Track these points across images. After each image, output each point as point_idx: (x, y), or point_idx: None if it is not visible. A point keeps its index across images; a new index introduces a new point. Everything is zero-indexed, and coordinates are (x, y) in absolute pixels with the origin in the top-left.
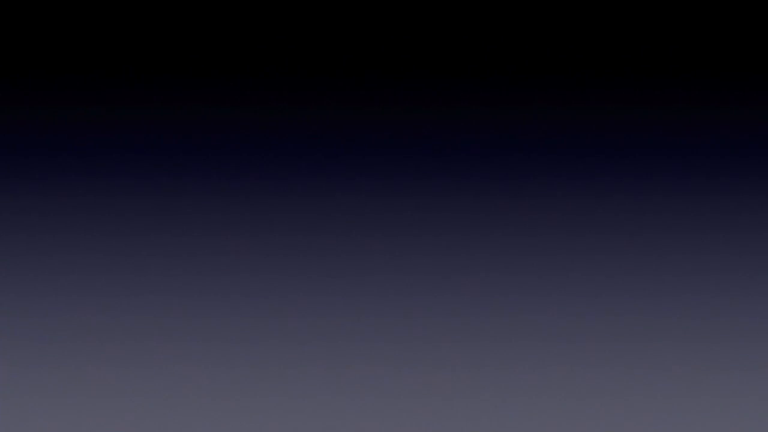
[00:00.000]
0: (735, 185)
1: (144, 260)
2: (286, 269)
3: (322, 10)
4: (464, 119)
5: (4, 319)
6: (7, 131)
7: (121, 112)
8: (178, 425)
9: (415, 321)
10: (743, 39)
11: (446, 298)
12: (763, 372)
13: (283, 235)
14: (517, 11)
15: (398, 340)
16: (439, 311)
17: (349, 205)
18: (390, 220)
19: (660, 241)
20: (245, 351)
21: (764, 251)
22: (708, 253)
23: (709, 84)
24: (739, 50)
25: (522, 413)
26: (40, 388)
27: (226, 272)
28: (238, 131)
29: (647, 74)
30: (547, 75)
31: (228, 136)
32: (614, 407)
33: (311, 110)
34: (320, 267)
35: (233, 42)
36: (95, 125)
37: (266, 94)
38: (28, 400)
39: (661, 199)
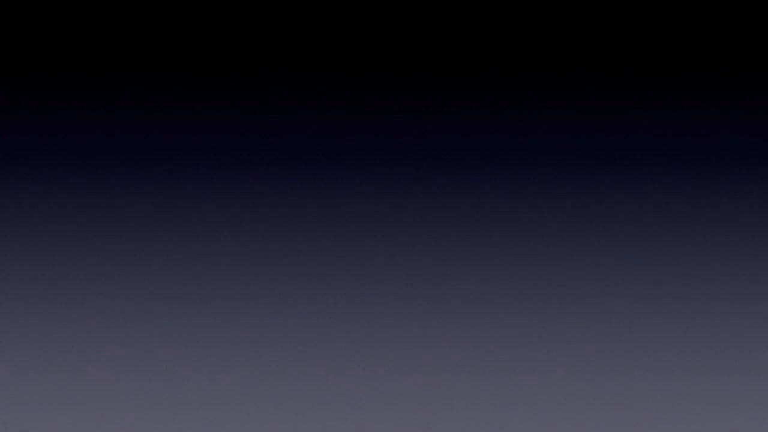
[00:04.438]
0: (735, 185)
1: (144, 260)
2: (286, 269)
3: (322, 10)
4: (464, 119)
5: (4, 319)
6: (7, 131)
7: (121, 112)
8: (178, 425)
9: (415, 321)
10: (743, 39)
11: (446, 298)
12: (763, 372)
13: (283, 235)
14: (517, 11)
15: (398, 340)
16: (439, 311)
17: (349, 205)
18: (390, 220)
19: (660, 241)
20: (245, 351)
21: (764, 251)
22: (708, 253)
23: (709, 84)
24: (739, 50)
25: (522, 413)
26: (40, 388)
27: (226, 272)
28: (238, 131)
29: (647, 74)
30: (547, 75)
31: (228, 136)
32: (614, 407)
33: (311, 110)
34: (320, 267)
35: (233, 42)
36: (95, 125)
37: (266, 94)
38: (28, 400)
39: (661, 199)
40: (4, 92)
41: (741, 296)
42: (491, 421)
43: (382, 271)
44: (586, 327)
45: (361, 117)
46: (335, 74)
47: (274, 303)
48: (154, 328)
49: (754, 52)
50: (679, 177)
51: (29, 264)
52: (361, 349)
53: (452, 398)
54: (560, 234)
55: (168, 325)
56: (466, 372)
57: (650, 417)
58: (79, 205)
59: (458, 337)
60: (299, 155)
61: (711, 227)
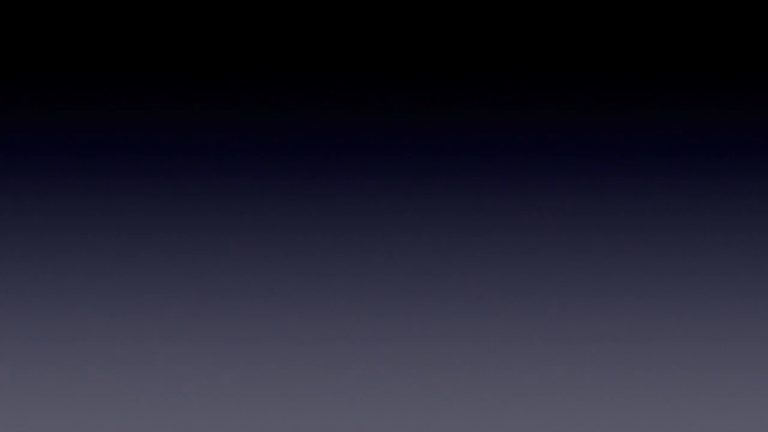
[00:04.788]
0: (735, 185)
1: (144, 260)
2: (286, 269)
3: (322, 10)
4: (464, 119)
5: (4, 319)
6: (7, 131)
7: (121, 112)
8: (178, 425)
9: (416, 321)
10: (743, 39)
11: (446, 298)
12: (763, 372)
13: (283, 235)
14: (517, 11)
15: (398, 340)
16: (439, 311)
17: (349, 205)
18: (390, 220)
19: (660, 241)
20: (245, 351)
21: (764, 251)
22: (708, 253)
23: (709, 84)
24: (739, 50)
25: (522, 413)
26: (40, 388)
27: (226, 272)
28: (238, 131)
29: (647, 74)
30: (547, 75)
31: (228, 136)
32: (614, 407)
33: (311, 110)
34: (320, 267)
35: (233, 42)
36: (95, 125)
37: (266, 94)
38: (28, 400)
39: (661, 199)
40: (4, 92)
41: (741, 296)
42: (491, 421)
43: (382, 271)
44: (586, 327)
45: (361, 117)
46: (335, 74)
47: (274, 303)
48: (154, 328)
49: (754, 52)
50: (679, 177)
51: (29, 264)
52: (361, 349)
53: (452, 398)
54: (560, 234)
55: (168, 325)
56: (466, 372)
57: (650, 417)
58: (79, 205)
59: (458, 337)
60: (299, 155)
61: (711, 227)
